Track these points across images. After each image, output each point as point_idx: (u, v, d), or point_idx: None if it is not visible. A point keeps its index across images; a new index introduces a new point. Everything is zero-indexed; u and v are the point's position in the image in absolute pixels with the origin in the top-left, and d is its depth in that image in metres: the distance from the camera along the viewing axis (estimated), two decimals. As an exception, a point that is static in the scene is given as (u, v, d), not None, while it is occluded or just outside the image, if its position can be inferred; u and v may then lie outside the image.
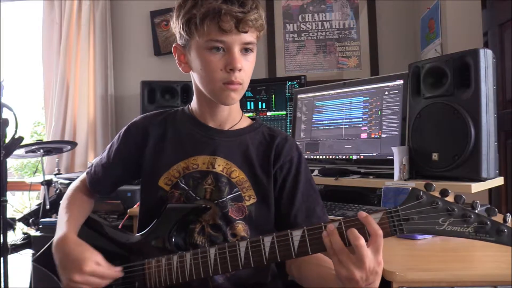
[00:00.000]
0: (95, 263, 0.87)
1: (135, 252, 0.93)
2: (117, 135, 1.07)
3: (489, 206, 0.69)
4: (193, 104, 1.04)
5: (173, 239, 0.93)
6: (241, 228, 0.95)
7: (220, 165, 0.97)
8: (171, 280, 0.87)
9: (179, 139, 1.01)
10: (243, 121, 1.04)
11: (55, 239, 0.94)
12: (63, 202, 1.04)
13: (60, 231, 0.95)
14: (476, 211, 0.70)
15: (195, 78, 0.98)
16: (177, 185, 0.97)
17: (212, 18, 0.86)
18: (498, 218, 0.69)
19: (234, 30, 0.87)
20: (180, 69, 1.00)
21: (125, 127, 1.07)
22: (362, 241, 0.70)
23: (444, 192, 0.72)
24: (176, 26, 0.95)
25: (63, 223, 0.97)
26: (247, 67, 0.93)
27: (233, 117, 1.02)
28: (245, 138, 1.01)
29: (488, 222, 0.68)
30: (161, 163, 0.99)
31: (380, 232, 0.71)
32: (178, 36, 0.96)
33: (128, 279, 0.91)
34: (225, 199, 0.95)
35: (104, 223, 1.03)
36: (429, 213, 0.71)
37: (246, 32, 0.89)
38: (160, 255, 0.89)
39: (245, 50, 0.92)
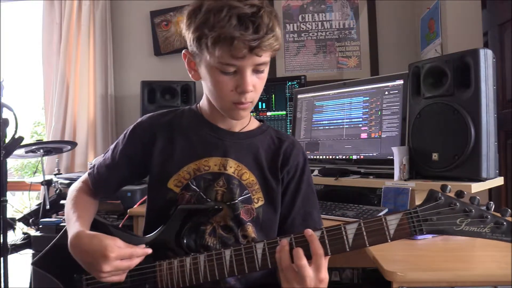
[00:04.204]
0: (118, 247, 0.83)
1: None
2: (122, 136, 1.05)
3: (504, 207, 0.72)
4: (203, 104, 1.02)
5: (185, 241, 0.92)
6: (251, 230, 0.95)
7: (232, 167, 0.96)
8: (184, 282, 0.86)
9: (188, 140, 0.99)
10: (252, 123, 1.03)
11: (69, 240, 0.89)
12: (68, 205, 1.01)
13: (71, 231, 0.90)
14: (491, 211, 0.72)
15: (205, 89, 0.97)
16: (187, 187, 0.96)
17: (224, 45, 0.82)
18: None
19: (247, 55, 0.83)
20: (190, 76, 0.97)
21: (130, 127, 1.05)
22: (304, 261, 0.73)
23: (460, 193, 0.74)
24: (186, 34, 0.90)
25: (72, 223, 0.93)
26: (258, 85, 0.90)
27: (243, 119, 1.00)
28: (255, 141, 1.00)
29: (504, 223, 0.71)
30: (171, 164, 0.97)
31: (321, 251, 0.74)
32: (188, 43, 0.91)
33: (138, 281, 0.89)
34: (236, 201, 0.94)
35: (110, 225, 1.00)
36: (447, 213, 0.73)
37: (260, 56, 0.85)
38: (172, 257, 0.88)
39: (257, 70, 0.89)
